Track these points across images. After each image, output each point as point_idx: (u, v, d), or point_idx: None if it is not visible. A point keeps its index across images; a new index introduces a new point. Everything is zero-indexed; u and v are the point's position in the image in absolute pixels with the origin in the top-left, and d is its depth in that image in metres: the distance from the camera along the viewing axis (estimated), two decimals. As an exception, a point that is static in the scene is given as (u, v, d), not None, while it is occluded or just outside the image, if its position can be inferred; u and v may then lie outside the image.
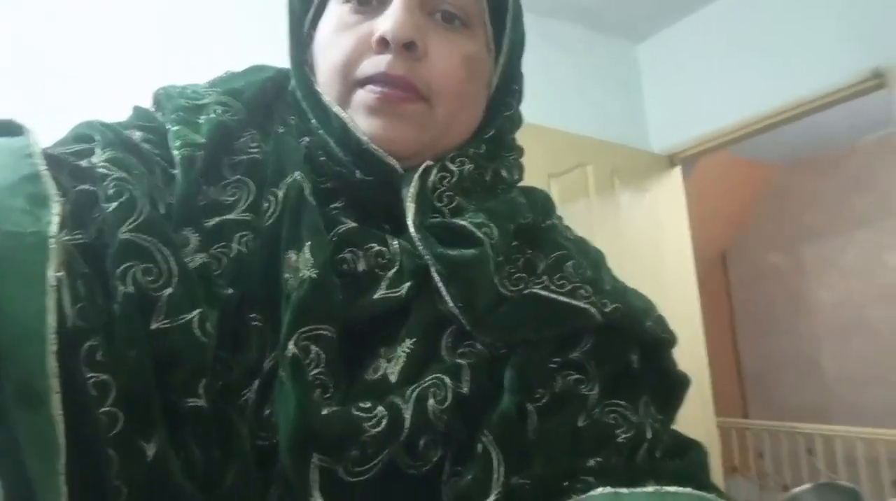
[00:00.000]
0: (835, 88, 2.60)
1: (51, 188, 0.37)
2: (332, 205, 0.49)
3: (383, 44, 0.48)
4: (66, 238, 0.37)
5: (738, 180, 4.76)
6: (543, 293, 0.48)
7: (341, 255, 0.47)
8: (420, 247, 0.47)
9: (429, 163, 0.50)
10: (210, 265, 0.43)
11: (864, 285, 4.52)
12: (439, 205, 0.50)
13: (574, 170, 2.64)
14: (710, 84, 2.99)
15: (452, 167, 0.51)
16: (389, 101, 0.49)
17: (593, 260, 0.55)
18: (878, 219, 4.41)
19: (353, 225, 0.48)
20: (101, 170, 0.42)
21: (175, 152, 0.47)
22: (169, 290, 0.39)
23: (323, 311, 0.43)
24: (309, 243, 0.45)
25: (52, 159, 0.41)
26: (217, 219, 0.46)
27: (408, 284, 0.46)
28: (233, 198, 0.47)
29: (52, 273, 0.33)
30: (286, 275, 0.44)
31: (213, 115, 0.50)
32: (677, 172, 3.07)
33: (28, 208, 0.35)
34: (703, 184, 3.87)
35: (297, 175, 0.48)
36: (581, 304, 0.48)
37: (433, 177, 0.50)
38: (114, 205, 0.40)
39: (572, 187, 2.58)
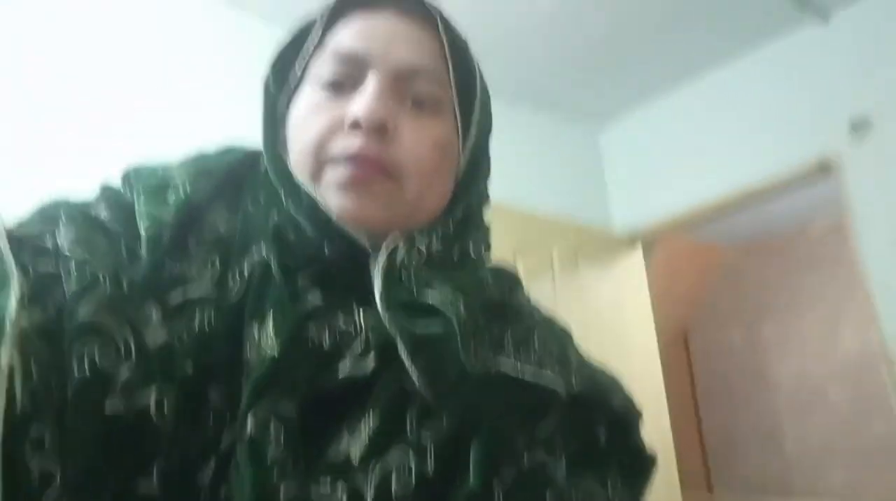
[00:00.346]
0: (783, 177, 2.73)
1: (11, 268, 0.37)
2: (299, 281, 0.49)
3: (356, 125, 0.50)
4: (24, 318, 0.37)
5: (696, 262, 4.89)
6: (510, 370, 0.48)
7: (306, 330, 0.46)
8: (387, 323, 0.46)
9: (397, 239, 0.51)
10: (170, 343, 0.43)
11: (822, 362, 4.60)
12: (406, 280, 0.50)
13: (539, 249, 2.69)
14: (667, 170, 3.12)
15: (420, 244, 0.52)
16: (359, 180, 0.50)
17: (560, 337, 0.56)
18: (832, 298, 4.54)
19: (320, 300, 0.48)
20: (64, 250, 0.42)
21: (141, 231, 0.47)
22: (125, 371, 0.38)
23: (284, 389, 0.42)
24: (272, 320, 0.44)
25: (16, 239, 0.41)
26: (180, 296, 0.46)
27: (373, 360, 0.46)
28: (197, 275, 0.47)
29: (5, 356, 0.33)
30: (248, 353, 0.44)
31: (181, 194, 0.50)
32: (638, 253, 3.15)
33: None
34: (664, 265, 3.97)
35: (264, 251, 0.48)
36: (547, 382, 0.49)
37: (401, 253, 0.51)
38: (75, 284, 0.40)
39: (537, 266, 2.62)
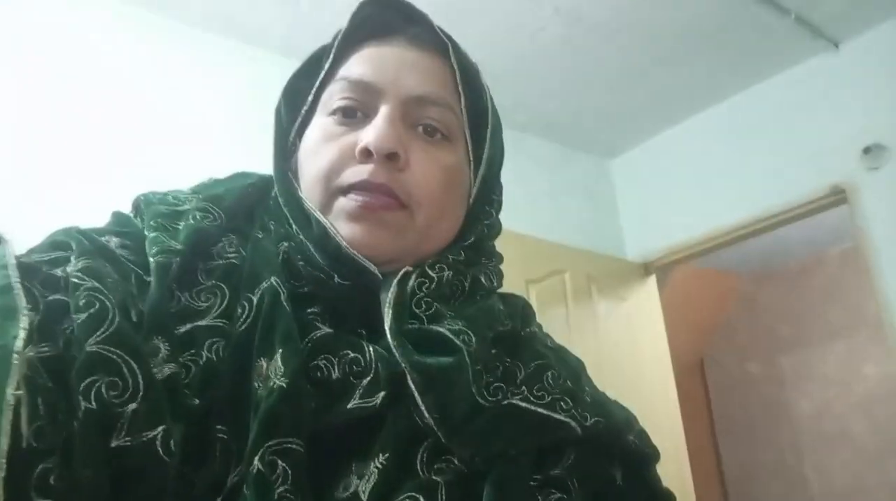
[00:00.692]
0: (797, 204, 2.72)
1: (20, 300, 0.37)
2: (308, 310, 0.48)
3: (366, 154, 0.50)
4: (32, 351, 0.36)
5: (711, 290, 4.84)
6: (522, 404, 0.47)
7: (315, 362, 0.45)
8: (396, 354, 0.45)
9: (408, 268, 0.51)
10: (178, 375, 0.42)
11: (844, 395, 4.50)
12: (417, 311, 0.49)
13: (551, 277, 2.68)
14: (681, 197, 3.11)
15: (431, 273, 0.51)
16: (370, 209, 0.50)
17: (573, 369, 0.54)
18: (853, 329, 4.46)
19: (329, 331, 0.47)
20: (74, 279, 0.41)
21: (151, 259, 0.46)
22: (133, 405, 0.37)
23: (292, 423, 0.41)
24: (281, 351, 0.43)
25: (26, 268, 0.41)
26: (189, 326, 0.45)
27: (382, 393, 0.45)
28: (206, 304, 0.47)
29: (11, 391, 0.33)
30: (256, 384, 0.43)
31: (191, 221, 0.50)
32: (652, 281, 3.12)
33: None
34: (678, 292, 3.93)
35: (273, 280, 0.47)
36: (561, 417, 0.47)
37: (412, 282, 0.50)
38: (83, 316, 0.39)
39: (550, 294, 2.60)
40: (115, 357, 0.38)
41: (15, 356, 0.34)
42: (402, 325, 0.47)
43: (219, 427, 0.42)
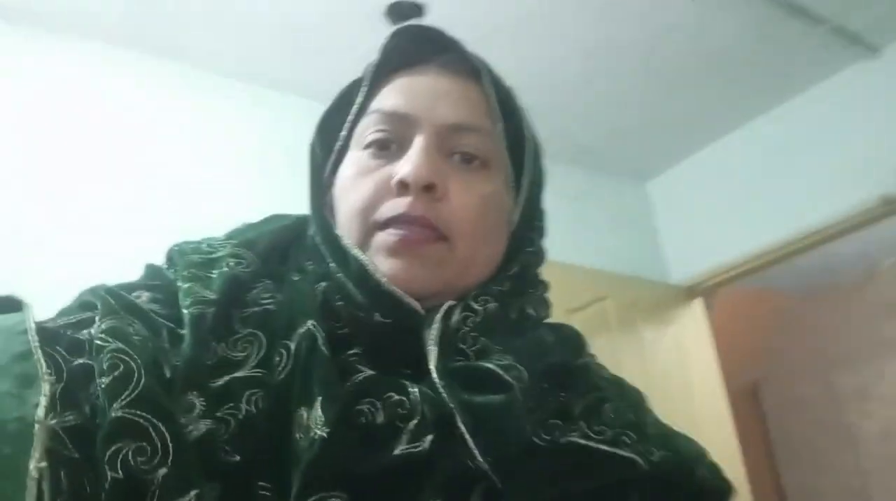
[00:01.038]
0: (845, 217, 2.62)
1: (41, 367, 0.36)
2: (349, 353, 0.46)
3: (403, 187, 0.49)
4: (54, 421, 0.35)
5: (761, 310, 4.70)
6: (582, 441, 0.44)
7: (358, 407, 0.43)
8: (443, 394, 0.43)
9: (451, 303, 0.49)
10: (215, 431, 0.40)
11: (908, 414, 4.30)
12: (463, 347, 0.47)
13: (593, 304, 2.62)
14: (723, 217, 3.03)
15: (476, 306, 0.50)
16: (409, 243, 0.49)
17: (633, 401, 0.52)
18: (911, 344, 4.28)
19: (371, 372, 0.45)
20: (98, 341, 0.40)
21: (185, 310, 0.45)
22: (163, 470, 0.35)
23: (334, 475, 0.39)
24: (320, 398, 0.41)
25: (49, 333, 0.41)
26: (226, 378, 0.43)
27: (430, 437, 0.42)
28: (243, 355, 0.45)
29: (35, 464, 0.32)
30: (297, 435, 0.41)
31: (225, 269, 0.49)
32: (698, 304, 3.03)
33: (14, 390, 0.35)
34: (726, 315, 3.82)
35: (310, 324, 0.45)
36: (625, 453, 0.44)
37: (456, 317, 0.48)
38: (108, 379, 0.38)
39: (592, 323, 2.54)
40: (141, 420, 0.36)
41: (36, 426, 0.33)
42: (448, 363, 0.45)
43: (261, 483, 0.40)
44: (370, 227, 0.50)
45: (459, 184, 0.51)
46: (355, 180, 0.52)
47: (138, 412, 0.37)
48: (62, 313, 0.46)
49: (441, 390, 0.43)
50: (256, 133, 2.30)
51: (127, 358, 0.39)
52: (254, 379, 0.44)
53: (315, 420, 0.40)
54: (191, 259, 0.51)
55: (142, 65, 2.20)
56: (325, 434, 0.40)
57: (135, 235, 1.82)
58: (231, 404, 0.42)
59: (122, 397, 0.37)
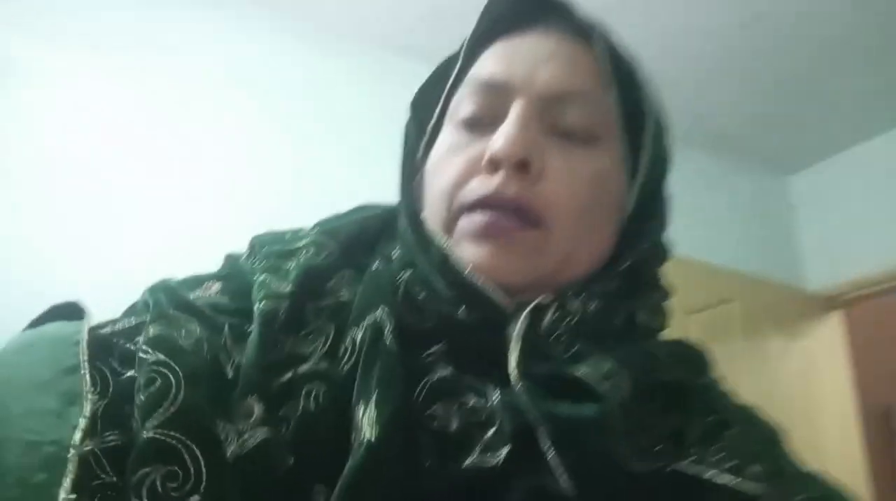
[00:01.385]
0: None
1: (85, 384, 0.36)
2: (426, 351, 0.42)
3: (493, 164, 0.43)
4: (91, 444, 0.34)
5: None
6: (692, 471, 0.38)
7: (430, 411, 0.38)
8: (524, 402, 0.38)
9: (542, 299, 0.42)
10: (271, 440, 0.37)
11: None
12: (553, 350, 0.41)
13: (716, 307, 2.44)
14: (873, 222, 2.72)
15: (573, 305, 0.43)
16: (497, 228, 0.43)
17: (765, 434, 0.44)
18: None
19: (448, 373, 0.40)
20: (140, 353, 0.38)
21: (256, 304, 0.42)
22: (196, 498, 0.33)
23: (378, 489, 0.34)
24: (376, 394, 0.37)
25: (102, 343, 0.39)
26: (289, 375, 0.40)
27: (506, 449, 0.37)
28: (311, 348, 0.42)
29: (65, 495, 0.31)
30: (353, 436, 0.37)
31: (302, 260, 0.46)
32: (837, 317, 2.76)
33: (58, 408, 0.35)
34: (865, 330, 3.47)
35: (379, 312, 0.41)
36: (752, 487, 0.37)
37: (549, 316, 0.42)
38: (143, 395, 0.35)
39: (713, 327, 2.36)
40: (173, 441, 0.33)
41: (71, 451, 0.32)
42: (531, 366, 0.40)
43: (316, 487, 0.36)
44: (456, 210, 0.45)
45: (561, 162, 0.44)
46: (444, 159, 0.47)
47: (171, 432, 0.34)
48: (125, 313, 0.44)
49: (521, 397, 0.38)
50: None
51: (166, 372, 0.36)
52: (316, 372, 0.40)
53: (368, 419, 0.36)
54: (271, 249, 0.48)
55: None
56: (372, 439, 0.35)
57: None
58: (291, 402, 0.39)
59: (154, 415, 0.34)
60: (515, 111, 0.44)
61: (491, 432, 0.37)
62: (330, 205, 0.55)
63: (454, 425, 0.38)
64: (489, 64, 0.48)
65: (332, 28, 2.28)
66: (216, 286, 0.45)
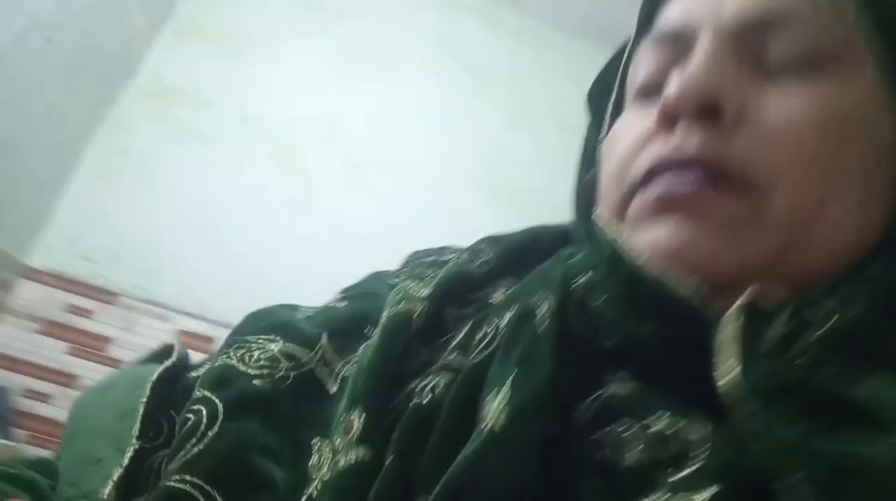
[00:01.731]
0: None
1: (134, 431, 0.34)
2: (598, 356, 0.33)
3: (669, 115, 0.33)
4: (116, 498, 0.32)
5: None
6: None
7: (596, 436, 0.30)
8: (753, 428, 0.27)
9: (761, 302, 0.30)
10: (363, 463, 0.32)
11: None
12: (794, 364, 0.29)
13: None
14: None
15: (822, 307, 0.29)
16: (679, 198, 0.32)
17: None
18: None
19: (631, 387, 0.31)
20: (196, 391, 0.36)
21: (386, 309, 0.38)
22: None
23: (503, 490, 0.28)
24: (514, 374, 0.31)
25: (169, 383, 0.38)
26: (412, 385, 0.35)
27: (713, 490, 0.26)
28: (443, 354, 0.36)
29: None
30: (474, 436, 0.30)
31: (451, 265, 0.41)
32: None
33: (103, 456, 0.34)
34: None
35: (538, 297, 0.35)
36: None
37: (780, 323, 0.29)
38: (177, 439, 0.34)
39: None
40: (188, 487, 0.30)
41: None
42: (761, 376, 0.28)
43: (421, 498, 0.30)
44: (626, 191, 0.35)
45: (776, 99, 0.32)
46: (615, 138, 0.38)
47: (188, 477, 0.31)
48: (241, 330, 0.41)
49: (749, 420, 0.27)
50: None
51: (200, 407, 0.34)
52: (440, 366, 0.35)
53: (496, 405, 0.30)
54: (423, 260, 0.45)
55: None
56: (495, 427, 0.29)
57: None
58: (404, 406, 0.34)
59: (175, 459, 0.32)
60: (702, 44, 0.34)
61: (693, 470, 0.27)
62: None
63: (632, 458, 0.28)
64: (667, 14, 0.38)
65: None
66: (342, 304, 0.42)
